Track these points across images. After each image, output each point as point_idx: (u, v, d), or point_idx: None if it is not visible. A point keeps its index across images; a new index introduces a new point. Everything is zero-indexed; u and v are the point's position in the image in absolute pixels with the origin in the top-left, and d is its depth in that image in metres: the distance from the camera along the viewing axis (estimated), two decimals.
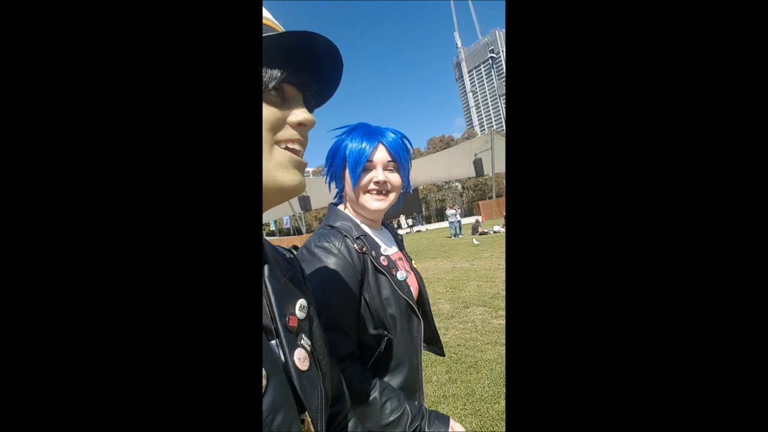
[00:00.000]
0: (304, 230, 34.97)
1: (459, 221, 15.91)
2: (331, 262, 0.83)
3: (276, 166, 0.42)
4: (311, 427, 0.45)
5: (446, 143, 59.86)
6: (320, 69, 0.47)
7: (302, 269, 0.62)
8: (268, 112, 0.41)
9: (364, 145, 0.91)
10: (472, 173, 24.31)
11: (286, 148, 0.43)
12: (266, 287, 0.47)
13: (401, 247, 1.06)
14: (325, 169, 1.00)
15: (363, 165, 0.90)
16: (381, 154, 0.92)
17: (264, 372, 0.39)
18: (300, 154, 0.44)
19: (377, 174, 0.92)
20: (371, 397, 0.79)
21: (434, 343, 1.11)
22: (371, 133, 0.93)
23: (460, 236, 14.97)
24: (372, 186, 0.92)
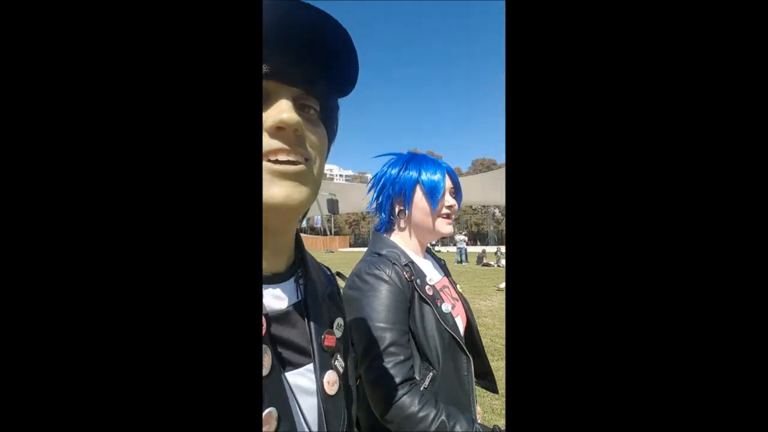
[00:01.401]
0: (331, 232, 35.93)
1: (465, 249, 16.06)
2: (384, 290, 0.84)
3: None
4: None
5: (487, 166, 59.23)
6: (315, 53, 0.37)
7: (338, 287, 0.60)
8: None
9: (438, 174, 0.97)
10: (501, 201, 24.20)
11: (270, 161, 0.36)
12: (306, 304, 0.45)
13: (447, 273, 1.07)
14: (377, 197, 1.03)
15: (441, 192, 0.96)
16: (447, 182, 0.99)
17: (275, 413, 0.37)
18: (293, 162, 0.36)
19: (449, 199, 0.99)
20: (437, 423, 0.74)
21: (485, 377, 1.06)
22: (436, 162, 1.01)
23: (465, 264, 15.15)
24: (444, 211, 0.98)
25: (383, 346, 0.78)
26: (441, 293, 0.95)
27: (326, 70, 0.39)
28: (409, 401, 0.75)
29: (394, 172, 0.99)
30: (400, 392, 0.75)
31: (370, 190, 1.05)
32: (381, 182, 1.01)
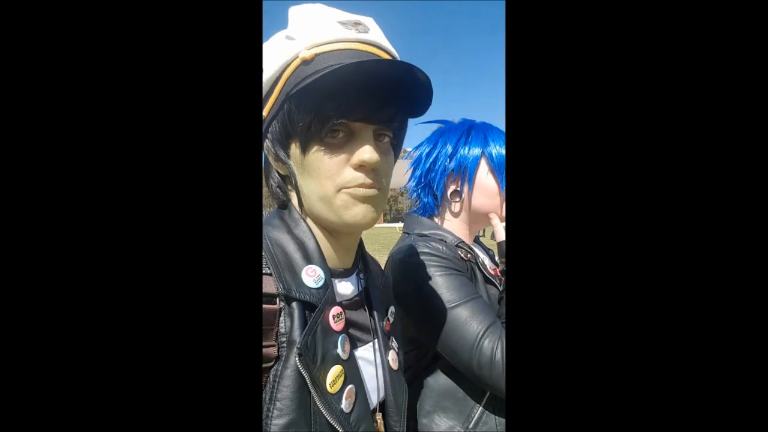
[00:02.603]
0: None
1: None
2: (443, 265, 0.73)
3: (339, 207, 0.44)
4: (381, 426, 0.50)
5: None
6: (396, 99, 0.44)
7: (388, 278, 0.65)
8: (328, 158, 0.43)
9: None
10: None
11: (352, 188, 0.44)
12: (367, 293, 0.54)
13: (495, 263, 0.93)
14: (424, 174, 0.84)
15: None
16: None
17: (353, 387, 0.45)
18: (371, 186, 0.44)
19: None
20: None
21: None
22: (501, 131, 0.84)
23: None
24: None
25: (468, 331, 0.68)
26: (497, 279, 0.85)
27: (403, 110, 0.47)
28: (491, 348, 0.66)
29: (450, 145, 0.82)
30: (482, 345, 0.67)
31: (413, 167, 0.87)
32: (433, 156, 0.84)
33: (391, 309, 0.59)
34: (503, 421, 0.73)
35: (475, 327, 0.68)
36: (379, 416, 0.50)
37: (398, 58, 0.47)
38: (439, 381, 0.76)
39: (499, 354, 0.65)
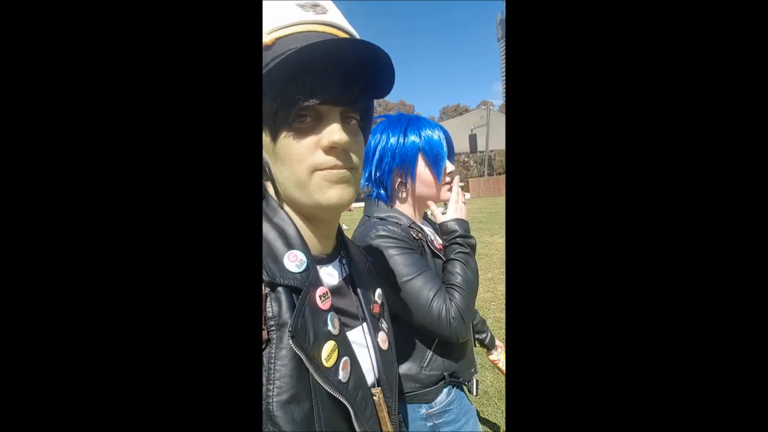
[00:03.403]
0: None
1: None
2: (400, 245, 0.87)
3: (314, 190, 0.45)
4: (382, 401, 0.52)
5: (460, 113, 58.59)
6: (360, 80, 0.45)
7: (373, 263, 0.68)
8: (297, 143, 0.44)
9: (439, 139, 0.94)
10: (467, 149, 24.37)
11: (324, 170, 0.45)
12: (352, 279, 0.56)
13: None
14: (374, 169, 0.97)
15: (445, 160, 0.94)
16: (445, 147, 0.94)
17: (348, 359, 0.47)
18: (343, 167, 0.46)
19: (449, 165, 0.95)
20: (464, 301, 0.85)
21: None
22: (433, 126, 0.96)
23: None
24: (446, 179, 0.95)
25: (421, 297, 0.85)
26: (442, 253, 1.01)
27: (368, 90, 0.48)
28: (455, 320, 0.84)
29: (393, 141, 0.95)
30: (432, 305, 0.85)
31: (365, 162, 0.97)
32: (378, 153, 0.96)
33: (378, 291, 0.61)
34: (447, 362, 0.96)
35: (426, 293, 0.86)
36: (377, 390, 0.53)
37: (358, 37, 0.47)
38: (398, 335, 0.89)
39: (444, 312, 0.85)
